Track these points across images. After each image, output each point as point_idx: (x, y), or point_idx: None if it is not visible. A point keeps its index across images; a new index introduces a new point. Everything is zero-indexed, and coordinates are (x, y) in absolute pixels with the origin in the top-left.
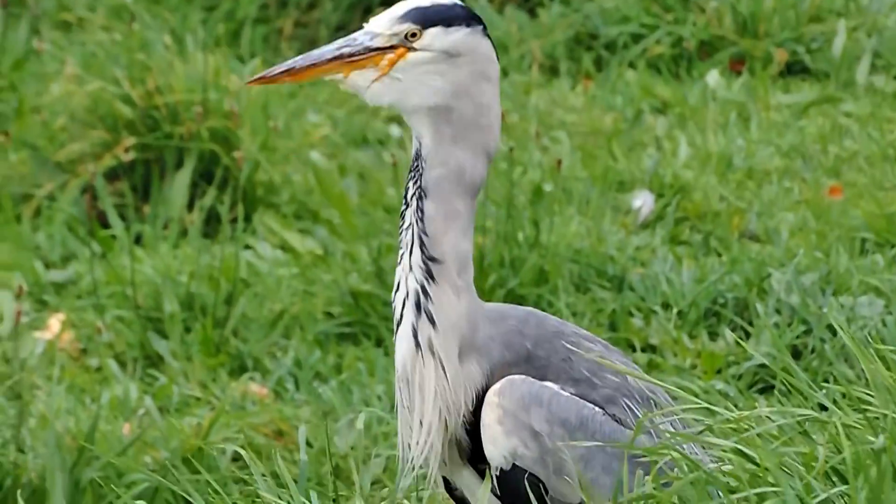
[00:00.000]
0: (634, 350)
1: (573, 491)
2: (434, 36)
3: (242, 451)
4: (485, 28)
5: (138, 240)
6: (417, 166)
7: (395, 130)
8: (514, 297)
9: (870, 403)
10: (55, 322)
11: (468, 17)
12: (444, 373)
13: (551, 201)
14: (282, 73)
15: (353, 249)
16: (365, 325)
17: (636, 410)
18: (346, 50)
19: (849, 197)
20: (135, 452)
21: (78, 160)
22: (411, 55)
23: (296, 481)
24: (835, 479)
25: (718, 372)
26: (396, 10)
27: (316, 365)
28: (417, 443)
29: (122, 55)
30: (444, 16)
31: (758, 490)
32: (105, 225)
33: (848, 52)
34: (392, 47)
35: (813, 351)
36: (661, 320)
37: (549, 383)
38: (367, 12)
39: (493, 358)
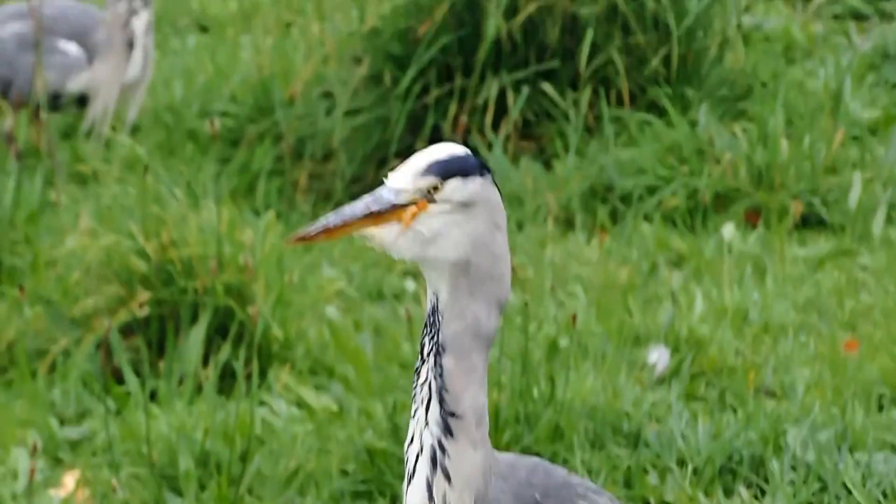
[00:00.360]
0: None
1: None
2: (453, 189)
3: None
4: (493, 177)
5: (153, 396)
6: (434, 321)
7: (410, 285)
8: (529, 454)
9: None
10: (70, 479)
11: (481, 167)
12: None
13: (567, 356)
14: (319, 232)
15: (369, 406)
16: (380, 482)
17: None
18: (374, 208)
19: (865, 351)
20: None
21: (93, 315)
22: (432, 207)
23: None
24: None
25: None
26: (417, 164)
27: None
28: None
29: (137, 208)
30: (462, 167)
31: None
32: (120, 380)
33: (864, 204)
34: (414, 202)
35: None
36: (677, 477)
37: None
38: (382, 164)
39: None
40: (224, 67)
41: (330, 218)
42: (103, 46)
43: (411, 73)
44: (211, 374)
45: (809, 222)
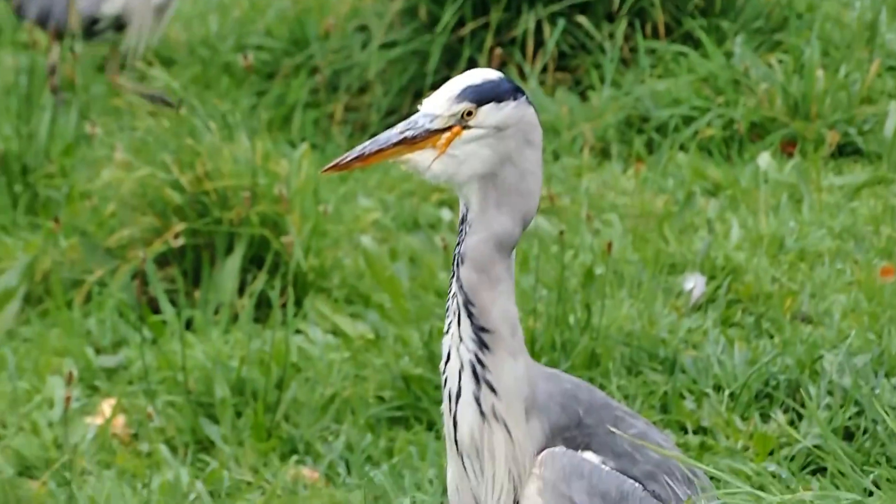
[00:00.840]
0: (686, 432)
1: None
2: (487, 113)
3: None
4: (527, 97)
5: (189, 325)
6: (462, 230)
7: (446, 214)
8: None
9: None
10: (106, 407)
11: (514, 90)
12: (511, 437)
13: (602, 284)
14: (353, 159)
15: (405, 333)
16: (416, 408)
17: (676, 489)
18: (409, 133)
19: None
20: None
21: (128, 246)
22: (466, 133)
23: None
24: None
25: (771, 454)
26: (452, 89)
27: (368, 449)
28: None
29: (171, 141)
30: (496, 92)
31: None
32: (156, 310)
33: None
34: (449, 127)
35: (865, 432)
36: (713, 402)
37: (590, 454)
38: (418, 96)
39: (552, 418)
40: (259, 1)
41: (365, 145)
42: None
43: (448, 6)
44: (247, 304)
45: (845, 152)
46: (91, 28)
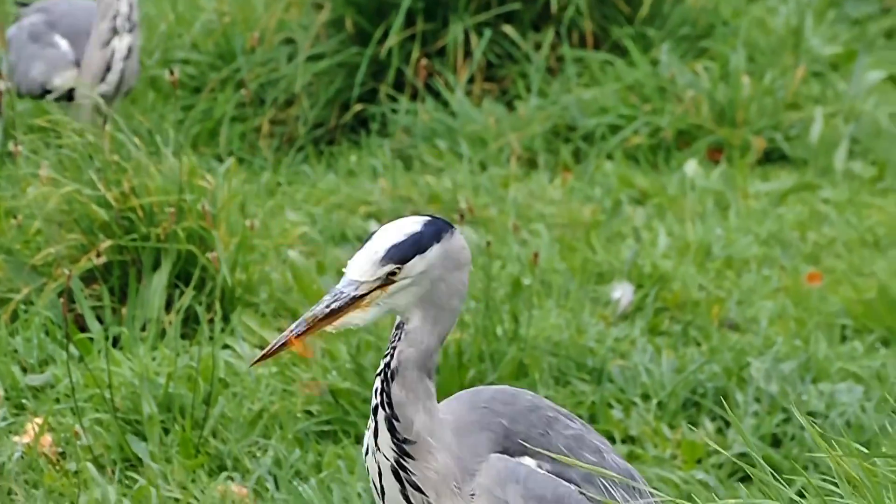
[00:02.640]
0: (614, 442)
1: None
2: (412, 266)
3: None
4: (451, 226)
5: (116, 342)
6: (393, 340)
7: (374, 226)
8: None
9: (836, 494)
10: (33, 426)
11: (437, 233)
12: None
13: (530, 294)
14: (281, 347)
15: (332, 347)
16: (345, 422)
17: (613, 491)
18: (335, 305)
19: (828, 283)
20: None
21: (54, 263)
22: (392, 287)
23: None
24: None
25: (699, 462)
26: (375, 252)
27: (296, 464)
28: None
29: (97, 157)
30: (419, 245)
31: None
32: (83, 328)
33: (826, 138)
34: (374, 290)
35: (793, 438)
36: (641, 411)
37: (526, 459)
38: (345, 109)
39: (481, 446)
40: (185, 15)
41: (293, 327)
42: (87, 55)
43: (375, 18)
44: (174, 320)
45: (772, 158)
46: (43, 96)
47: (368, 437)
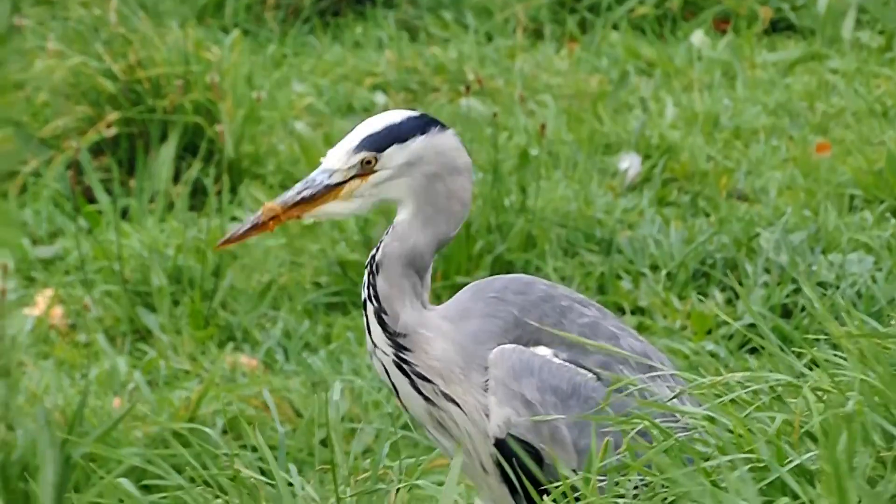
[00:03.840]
0: (624, 313)
1: (568, 457)
2: (390, 156)
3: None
4: (442, 125)
5: (125, 214)
6: (382, 238)
7: (380, 98)
8: (502, 263)
9: (843, 367)
10: (43, 298)
11: (422, 126)
12: (463, 406)
13: (538, 166)
14: (248, 230)
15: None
16: (353, 293)
17: (630, 376)
18: (306, 193)
19: (836, 154)
20: (125, 427)
21: (62, 136)
22: (372, 177)
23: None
24: (809, 443)
25: (709, 333)
26: (350, 141)
27: (305, 335)
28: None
29: (103, 29)
30: (396, 134)
31: (729, 457)
32: (91, 200)
33: (833, 8)
34: (350, 178)
35: (803, 309)
36: (650, 282)
37: (541, 349)
38: None
39: (492, 335)
40: None
41: (259, 214)
42: None
43: None
44: (182, 191)
45: (778, 28)
46: None
47: (367, 337)
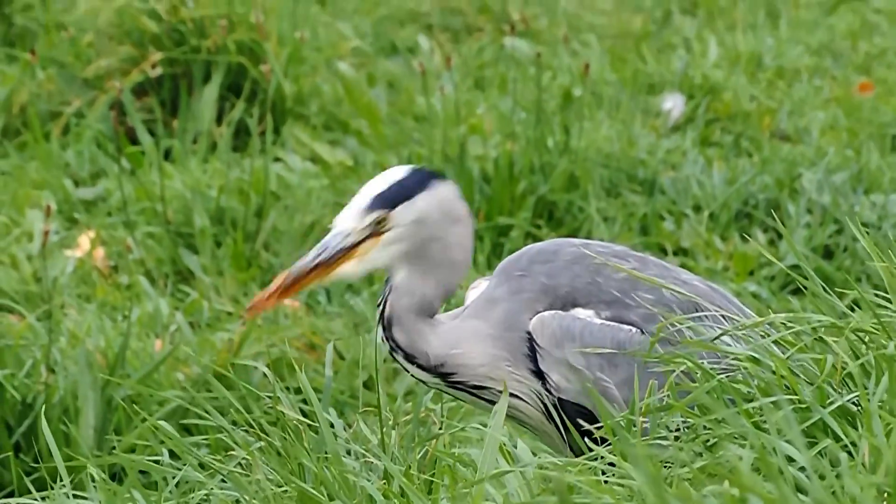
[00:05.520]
0: (666, 254)
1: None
2: (401, 214)
3: (267, 370)
4: (441, 176)
5: (167, 155)
6: (385, 290)
7: (423, 39)
8: (544, 203)
9: (886, 307)
10: (85, 240)
11: (423, 180)
12: (524, 398)
13: (581, 106)
14: (270, 296)
15: (383, 159)
16: None
17: (678, 323)
18: (323, 257)
19: (879, 94)
20: (166, 369)
21: (105, 76)
22: (384, 237)
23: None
24: (850, 384)
25: (751, 273)
26: (360, 202)
27: None
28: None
29: None
30: (404, 191)
31: (771, 398)
32: (134, 141)
33: None
34: (364, 239)
35: (845, 250)
36: (693, 223)
37: (580, 311)
38: None
39: (518, 316)
40: None
41: (279, 280)
42: None
43: None
44: (225, 132)
45: None
46: None
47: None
